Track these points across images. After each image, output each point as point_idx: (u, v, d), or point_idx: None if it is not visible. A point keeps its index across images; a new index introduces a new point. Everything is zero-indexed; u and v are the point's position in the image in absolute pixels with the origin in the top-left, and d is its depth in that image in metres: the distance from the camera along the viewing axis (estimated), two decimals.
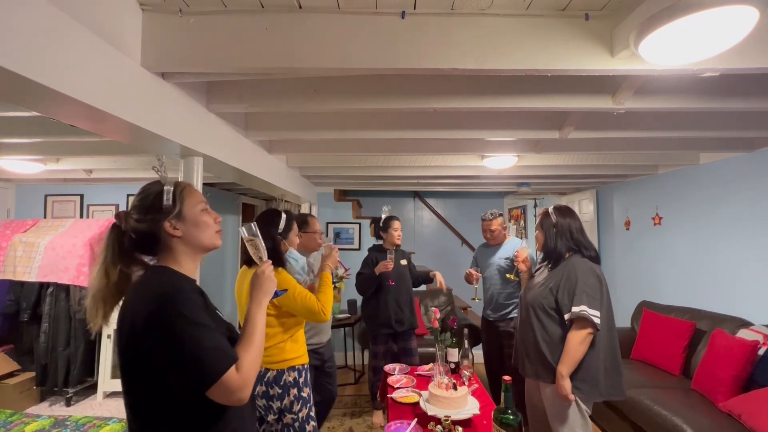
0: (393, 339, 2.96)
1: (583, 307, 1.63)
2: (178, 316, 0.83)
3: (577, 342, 1.64)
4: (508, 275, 2.58)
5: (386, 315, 2.86)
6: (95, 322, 0.93)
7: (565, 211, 1.87)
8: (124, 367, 0.88)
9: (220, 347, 0.85)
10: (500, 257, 2.85)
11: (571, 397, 1.63)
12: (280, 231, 1.80)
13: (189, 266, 0.99)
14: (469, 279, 2.74)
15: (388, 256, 2.77)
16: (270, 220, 1.81)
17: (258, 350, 0.93)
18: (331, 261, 1.88)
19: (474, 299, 2.68)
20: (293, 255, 2.00)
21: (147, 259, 0.99)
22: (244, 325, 0.98)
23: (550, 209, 1.90)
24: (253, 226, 1.12)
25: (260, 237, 1.12)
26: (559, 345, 1.71)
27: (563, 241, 1.82)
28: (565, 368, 1.65)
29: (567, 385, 1.64)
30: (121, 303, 0.93)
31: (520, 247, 2.23)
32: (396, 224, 2.91)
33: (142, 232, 0.94)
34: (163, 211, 0.95)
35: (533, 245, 2.71)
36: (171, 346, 0.82)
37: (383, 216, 2.97)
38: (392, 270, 2.80)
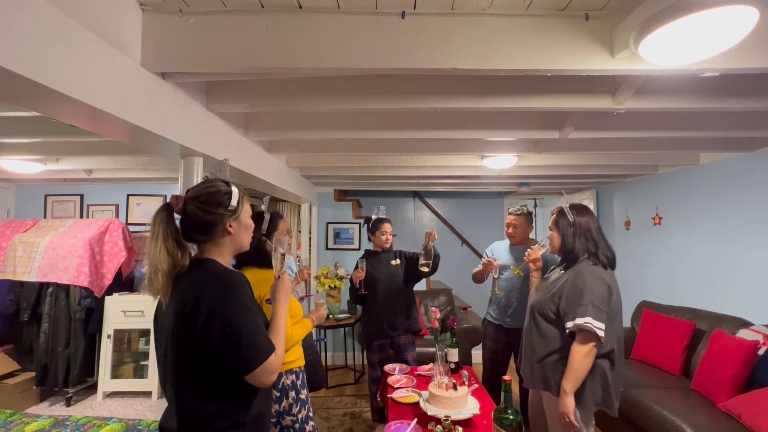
0: (391, 346, 2.75)
1: (588, 320, 1.50)
2: (241, 306, 0.98)
3: (582, 356, 1.51)
4: (513, 267, 2.41)
5: (378, 321, 2.67)
6: (156, 292, 1.02)
7: (582, 210, 1.72)
8: (181, 349, 0.98)
9: (267, 336, 1.01)
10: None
11: (572, 416, 1.50)
12: (263, 232, 1.81)
13: (227, 260, 1.12)
14: (486, 270, 2.45)
15: (359, 265, 2.61)
16: (254, 222, 1.81)
17: (284, 340, 1.10)
18: (317, 317, 1.87)
19: (495, 291, 2.47)
20: None
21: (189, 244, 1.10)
22: (272, 321, 1.12)
23: (566, 207, 1.73)
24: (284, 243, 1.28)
25: (288, 252, 1.28)
26: (556, 353, 1.62)
27: (581, 242, 1.67)
28: (569, 384, 1.51)
29: (570, 402, 1.50)
30: (171, 290, 1.03)
31: (535, 245, 2.03)
32: (385, 227, 2.71)
33: (203, 221, 1.05)
34: (229, 210, 1.07)
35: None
36: (231, 331, 0.95)
37: (374, 216, 2.77)
38: (381, 272, 2.65)
